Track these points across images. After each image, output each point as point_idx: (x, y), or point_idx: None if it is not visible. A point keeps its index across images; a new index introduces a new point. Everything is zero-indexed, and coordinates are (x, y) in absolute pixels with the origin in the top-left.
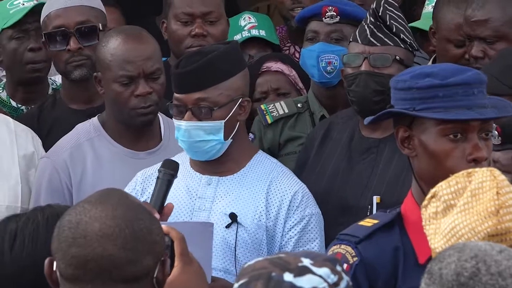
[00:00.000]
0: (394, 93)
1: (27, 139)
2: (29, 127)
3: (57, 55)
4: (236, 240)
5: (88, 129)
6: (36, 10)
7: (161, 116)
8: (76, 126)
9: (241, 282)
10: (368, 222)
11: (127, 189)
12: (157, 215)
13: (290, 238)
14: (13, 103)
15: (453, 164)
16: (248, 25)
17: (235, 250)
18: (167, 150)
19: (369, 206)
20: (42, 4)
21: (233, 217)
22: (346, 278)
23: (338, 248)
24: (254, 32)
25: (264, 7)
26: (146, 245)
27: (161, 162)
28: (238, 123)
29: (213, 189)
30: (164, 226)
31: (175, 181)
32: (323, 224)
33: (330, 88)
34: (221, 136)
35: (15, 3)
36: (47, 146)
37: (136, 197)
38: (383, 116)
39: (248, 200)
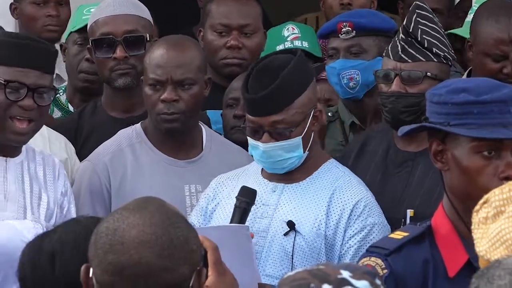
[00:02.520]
0: (430, 106)
1: (60, 146)
2: (68, 132)
3: (102, 62)
4: (293, 248)
5: (130, 135)
6: None
7: (204, 127)
8: (119, 131)
9: None
10: (398, 235)
11: (202, 194)
12: None
13: (350, 247)
14: (71, 108)
15: (485, 181)
16: (291, 35)
17: (292, 258)
18: (208, 160)
19: (403, 219)
20: None
21: (290, 225)
22: None
23: (368, 260)
24: (297, 43)
25: (313, 18)
26: (183, 254)
27: (239, 190)
28: (313, 133)
29: (277, 197)
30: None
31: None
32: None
33: (356, 101)
34: (300, 151)
35: (92, 9)
36: (84, 152)
37: (209, 202)
38: (417, 129)
39: (309, 208)
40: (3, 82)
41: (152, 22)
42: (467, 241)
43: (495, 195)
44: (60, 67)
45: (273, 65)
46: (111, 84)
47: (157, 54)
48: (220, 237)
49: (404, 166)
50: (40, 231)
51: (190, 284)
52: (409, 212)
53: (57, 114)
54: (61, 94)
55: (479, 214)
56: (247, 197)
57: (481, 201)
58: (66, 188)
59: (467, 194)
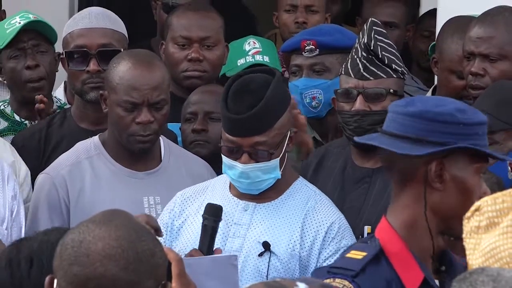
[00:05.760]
0: (427, 124)
1: (5, 148)
2: (34, 141)
3: (74, 74)
4: (268, 269)
5: (89, 147)
6: (29, 29)
7: (161, 138)
8: (77, 144)
9: None
10: (357, 255)
11: (165, 209)
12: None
13: None
14: (17, 117)
15: (475, 201)
16: (252, 50)
17: (267, 278)
18: (167, 171)
19: (360, 236)
20: (36, 22)
21: (266, 246)
22: None
23: (333, 282)
24: (258, 58)
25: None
26: (148, 268)
27: (204, 208)
28: (286, 153)
29: (249, 216)
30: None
31: (212, 201)
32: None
33: (318, 118)
34: (277, 173)
35: (12, 22)
36: (52, 161)
37: (174, 218)
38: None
39: (283, 228)
40: None
41: (127, 36)
42: (420, 260)
43: (488, 205)
44: None
45: (253, 85)
46: (83, 96)
47: (130, 75)
48: (208, 267)
49: (362, 182)
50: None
51: None
52: (367, 229)
53: (4, 124)
54: (6, 106)
55: (471, 222)
56: (213, 215)
57: (472, 208)
58: (16, 192)
59: (457, 214)
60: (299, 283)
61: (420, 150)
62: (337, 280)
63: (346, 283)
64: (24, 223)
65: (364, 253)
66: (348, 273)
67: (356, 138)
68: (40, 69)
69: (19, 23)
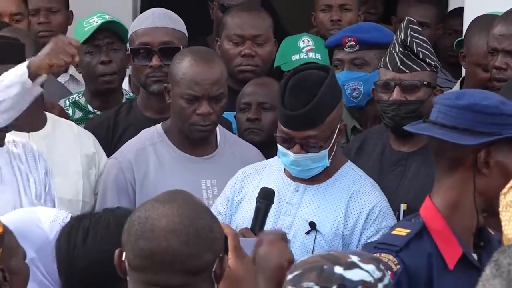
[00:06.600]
0: (475, 116)
1: (88, 141)
2: (103, 128)
3: (139, 69)
4: (314, 246)
5: (152, 134)
6: (105, 27)
7: (218, 127)
8: (141, 131)
9: (295, 273)
10: (401, 232)
11: (228, 184)
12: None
13: None
14: (90, 108)
15: None
16: (306, 47)
17: (312, 254)
18: (222, 157)
19: (397, 212)
20: (112, 22)
21: (312, 225)
22: (388, 276)
23: (379, 257)
24: (311, 55)
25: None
26: (207, 242)
27: (259, 191)
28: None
29: (300, 196)
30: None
31: (268, 183)
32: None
33: (358, 108)
34: (326, 162)
35: (90, 21)
36: (119, 147)
37: (235, 194)
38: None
39: (329, 209)
40: None
41: (187, 34)
42: (461, 236)
43: None
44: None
45: (308, 82)
46: (146, 88)
47: (192, 70)
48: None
49: (398, 165)
50: (59, 220)
51: (213, 269)
52: (403, 206)
53: (78, 114)
54: (80, 97)
55: (507, 197)
56: (267, 198)
57: (508, 185)
58: (47, 169)
59: (499, 195)
60: (352, 256)
61: (471, 140)
62: (383, 254)
63: (391, 257)
64: (55, 196)
65: (408, 230)
66: (393, 249)
67: (406, 127)
68: (112, 65)
69: (96, 22)
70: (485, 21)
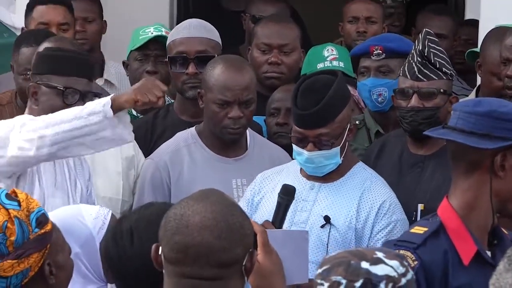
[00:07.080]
0: (493, 122)
1: (129, 144)
2: (142, 131)
3: (176, 75)
4: (328, 238)
5: (187, 136)
6: (158, 40)
7: (248, 130)
8: (177, 133)
9: (324, 268)
10: (419, 230)
11: (248, 187)
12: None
13: (377, 240)
14: (134, 112)
15: None
16: (330, 56)
17: (327, 247)
18: (252, 158)
19: (414, 212)
20: (164, 36)
21: (327, 219)
22: (411, 272)
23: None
24: (335, 63)
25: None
26: (238, 237)
27: (281, 188)
28: (347, 142)
29: (315, 194)
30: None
31: (285, 182)
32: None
33: (382, 113)
34: (338, 159)
35: (146, 30)
36: (156, 148)
37: (254, 195)
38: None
39: (343, 205)
40: (61, 89)
41: (221, 44)
42: (476, 235)
43: None
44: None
45: (318, 85)
46: (183, 94)
47: (224, 77)
48: (282, 239)
49: (416, 167)
50: (101, 217)
51: (244, 263)
52: (420, 206)
53: None
54: None
55: None
56: (288, 194)
57: None
58: (90, 174)
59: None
60: (377, 252)
61: (489, 144)
62: (401, 251)
63: (409, 254)
64: (95, 199)
65: (426, 229)
66: (411, 246)
67: (427, 132)
68: (157, 76)
69: (152, 33)
70: (499, 33)
